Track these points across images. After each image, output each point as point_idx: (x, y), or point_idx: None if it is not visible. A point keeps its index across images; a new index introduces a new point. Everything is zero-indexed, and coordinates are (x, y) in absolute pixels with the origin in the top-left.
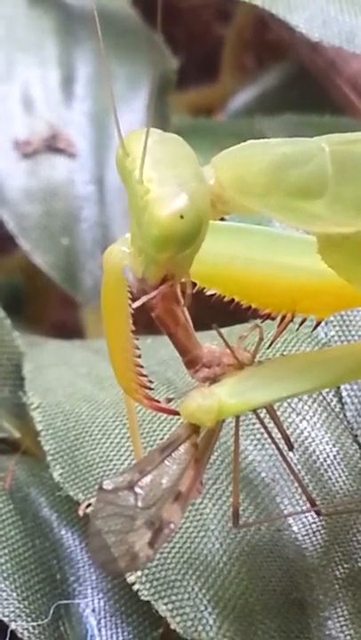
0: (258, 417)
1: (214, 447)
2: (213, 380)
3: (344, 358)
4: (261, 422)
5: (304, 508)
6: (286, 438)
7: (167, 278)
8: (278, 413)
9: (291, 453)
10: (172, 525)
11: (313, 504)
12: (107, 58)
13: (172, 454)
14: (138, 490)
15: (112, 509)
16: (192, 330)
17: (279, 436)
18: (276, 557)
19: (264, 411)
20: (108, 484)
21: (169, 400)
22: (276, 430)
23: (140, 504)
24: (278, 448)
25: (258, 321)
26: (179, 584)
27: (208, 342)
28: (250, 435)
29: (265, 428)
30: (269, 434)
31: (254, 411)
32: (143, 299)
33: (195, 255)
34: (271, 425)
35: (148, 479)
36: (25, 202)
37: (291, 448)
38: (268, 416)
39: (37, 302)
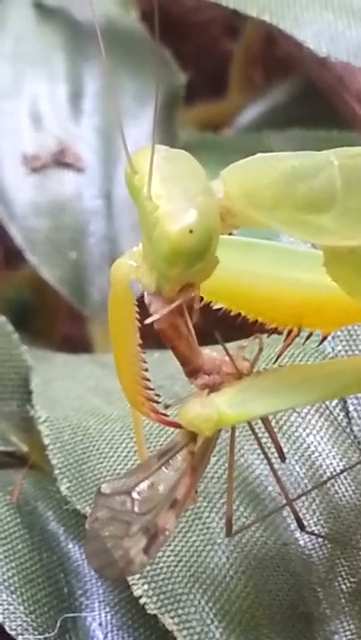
0: (251, 427)
1: (211, 456)
2: (212, 387)
3: (345, 371)
4: (253, 432)
5: (311, 522)
6: (279, 449)
7: (181, 293)
8: (285, 427)
9: (297, 467)
10: (166, 532)
11: (301, 525)
12: (115, 73)
13: (170, 461)
14: (135, 495)
15: (109, 514)
16: (195, 342)
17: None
18: (282, 571)
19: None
20: (105, 488)
21: (167, 406)
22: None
23: (136, 509)
24: (268, 459)
25: (264, 336)
26: (185, 598)
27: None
28: (256, 449)
29: (256, 438)
30: (260, 444)
31: (249, 423)
32: (155, 316)
33: (212, 269)
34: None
35: (145, 485)
36: (33, 216)
37: (283, 459)
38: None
39: (45, 316)
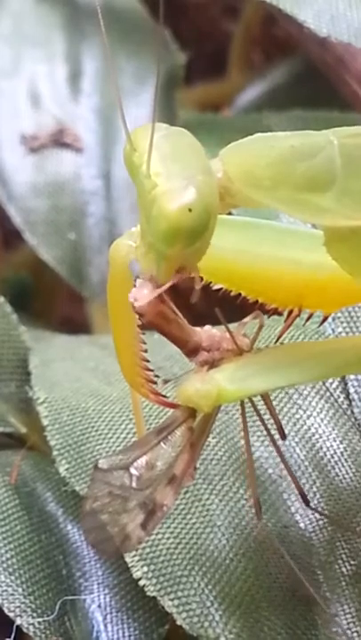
0: (253, 405)
1: (210, 432)
2: (212, 364)
3: (346, 350)
4: (255, 409)
5: (311, 504)
6: (280, 427)
7: (178, 272)
8: (285, 410)
9: (297, 450)
10: (164, 508)
11: (306, 500)
12: (114, 53)
13: (168, 437)
14: (133, 471)
15: (106, 489)
16: (184, 321)
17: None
18: (282, 554)
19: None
20: (103, 464)
21: (166, 381)
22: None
23: (134, 485)
24: (272, 437)
25: (264, 317)
26: (185, 580)
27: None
28: (256, 431)
29: (260, 416)
30: (262, 420)
31: (250, 399)
32: (139, 305)
33: (206, 249)
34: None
35: (143, 460)
36: (32, 197)
37: (283, 437)
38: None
39: (44, 297)
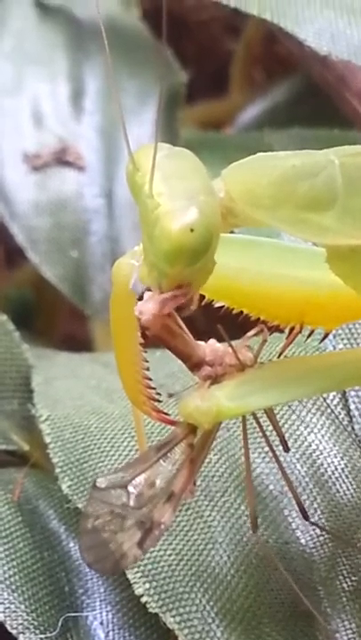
0: (256, 419)
1: (210, 448)
2: (215, 379)
3: (347, 363)
4: (258, 423)
5: (312, 520)
6: (283, 439)
7: (179, 291)
8: (286, 426)
9: (298, 466)
10: (162, 526)
11: (305, 515)
12: (116, 72)
13: (168, 454)
14: (131, 489)
15: (104, 507)
16: (189, 335)
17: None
18: (283, 570)
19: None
20: (101, 482)
21: (170, 396)
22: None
23: (132, 503)
24: (274, 452)
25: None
26: (187, 596)
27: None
28: (258, 447)
29: (261, 429)
30: (265, 436)
31: (253, 413)
32: (145, 319)
33: (211, 268)
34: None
35: (141, 478)
36: (34, 215)
37: (287, 450)
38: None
39: (46, 315)
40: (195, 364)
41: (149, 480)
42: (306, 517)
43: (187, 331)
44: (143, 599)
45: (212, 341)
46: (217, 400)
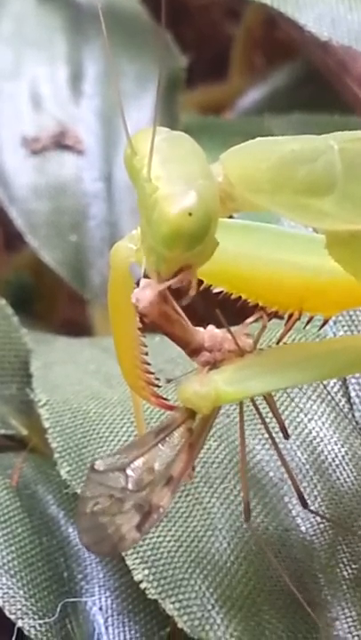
0: (255, 406)
1: (209, 433)
2: (213, 364)
3: (346, 350)
4: (258, 411)
5: (313, 508)
6: (282, 426)
7: (178, 276)
8: (287, 413)
9: (298, 453)
10: (160, 510)
11: (304, 502)
12: (116, 56)
13: (167, 438)
14: (129, 472)
15: (102, 490)
16: (187, 322)
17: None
18: (284, 557)
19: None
20: (99, 465)
21: (168, 381)
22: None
23: (130, 486)
24: (273, 439)
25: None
26: (186, 583)
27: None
28: (258, 434)
29: (261, 417)
30: (264, 423)
31: (252, 400)
32: (143, 306)
33: (210, 252)
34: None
35: (140, 462)
36: (33, 199)
37: (287, 437)
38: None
39: (46, 299)
40: (193, 350)
41: (148, 464)
42: (305, 505)
43: (185, 317)
44: (142, 585)
45: (211, 327)
46: (216, 384)
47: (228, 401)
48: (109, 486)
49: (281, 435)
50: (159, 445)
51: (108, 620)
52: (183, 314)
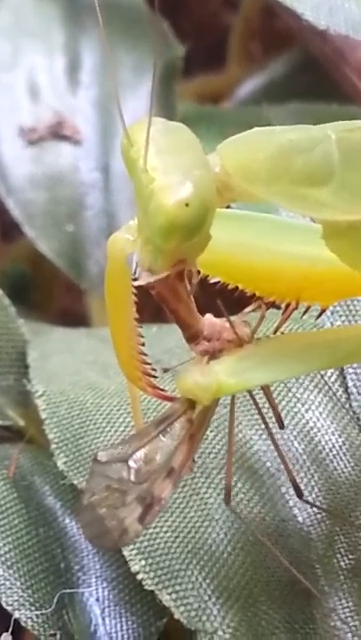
0: (251, 396)
1: (209, 424)
2: (212, 354)
3: (345, 340)
4: (254, 400)
5: (310, 498)
6: (278, 417)
7: (175, 267)
8: (283, 403)
9: (296, 443)
10: (162, 502)
11: (299, 492)
12: (113, 45)
13: (167, 429)
14: (131, 463)
15: (104, 482)
16: (194, 306)
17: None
18: (281, 548)
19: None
20: (102, 456)
21: (165, 371)
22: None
23: (132, 478)
24: (269, 429)
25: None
26: (183, 574)
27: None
28: (255, 425)
29: (257, 407)
30: (261, 413)
31: (249, 390)
32: (152, 278)
33: (206, 243)
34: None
35: (141, 453)
36: (30, 189)
37: (282, 427)
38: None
39: (43, 290)
40: (192, 335)
41: (149, 455)
42: (300, 495)
43: (193, 301)
44: (139, 576)
45: (209, 316)
46: (216, 376)
47: (229, 392)
48: (112, 478)
49: (278, 425)
50: (160, 437)
51: (104, 611)
52: (192, 299)
